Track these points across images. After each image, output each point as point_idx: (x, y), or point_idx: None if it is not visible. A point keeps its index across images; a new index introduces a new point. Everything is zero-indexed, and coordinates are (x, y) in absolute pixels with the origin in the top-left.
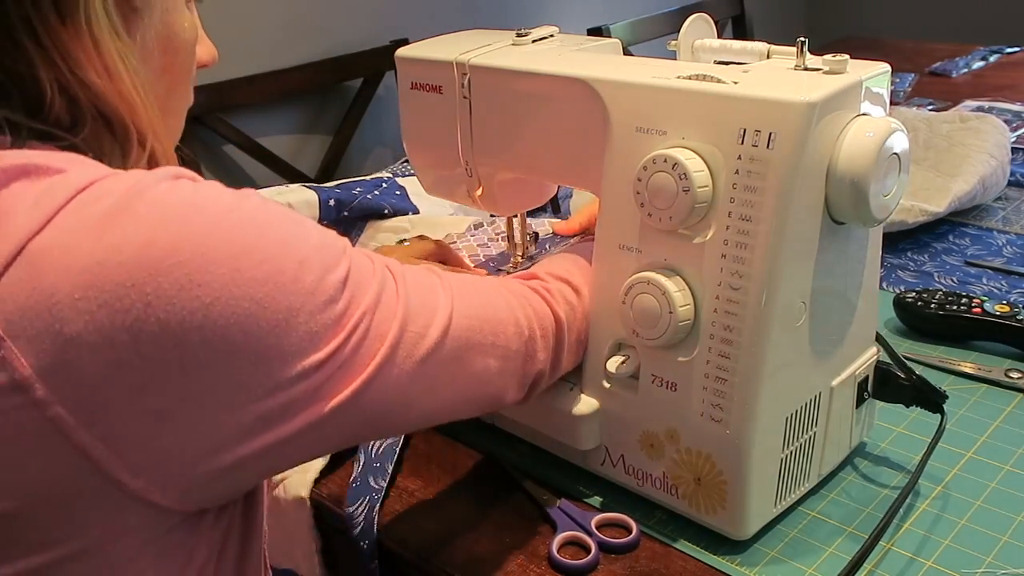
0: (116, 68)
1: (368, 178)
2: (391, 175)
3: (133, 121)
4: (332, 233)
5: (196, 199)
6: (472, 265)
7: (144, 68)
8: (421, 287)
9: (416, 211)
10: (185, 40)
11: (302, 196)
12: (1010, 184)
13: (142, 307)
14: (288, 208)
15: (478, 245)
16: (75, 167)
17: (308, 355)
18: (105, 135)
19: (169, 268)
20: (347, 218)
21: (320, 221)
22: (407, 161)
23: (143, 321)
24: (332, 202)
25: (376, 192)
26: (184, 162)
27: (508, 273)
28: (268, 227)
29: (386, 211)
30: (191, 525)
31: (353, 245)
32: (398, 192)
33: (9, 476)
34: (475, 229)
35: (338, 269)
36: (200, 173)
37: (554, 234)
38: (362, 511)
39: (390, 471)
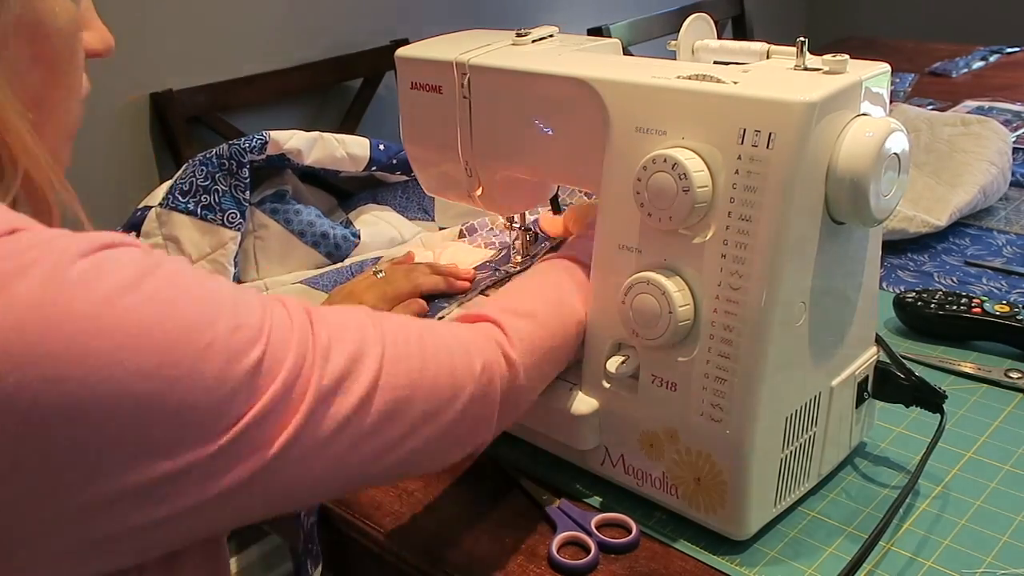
0: None
1: None
2: None
3: None
4: (251, 304)
5: (88, 276)
6: (468, 271)
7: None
8: (347, 348)
9: None
10: (58, 26)
11: (355, 139)
12: (1010, 184)
13: (1, 398)
14: (211, 277)
15: (474, 247)
16: None
17: (199, 448)
18: None
19: (37, 358)
20: (395, 165)
21: (369, 165)
22: None
23: (1, 414)
24: (382, 147)
25: None
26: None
27: (509, 273)
28: (171, 309)
29: None
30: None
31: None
32: None
33: None
34: (469, 234)
35: (250, 354)
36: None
37: (540, 229)
38: None
39: None
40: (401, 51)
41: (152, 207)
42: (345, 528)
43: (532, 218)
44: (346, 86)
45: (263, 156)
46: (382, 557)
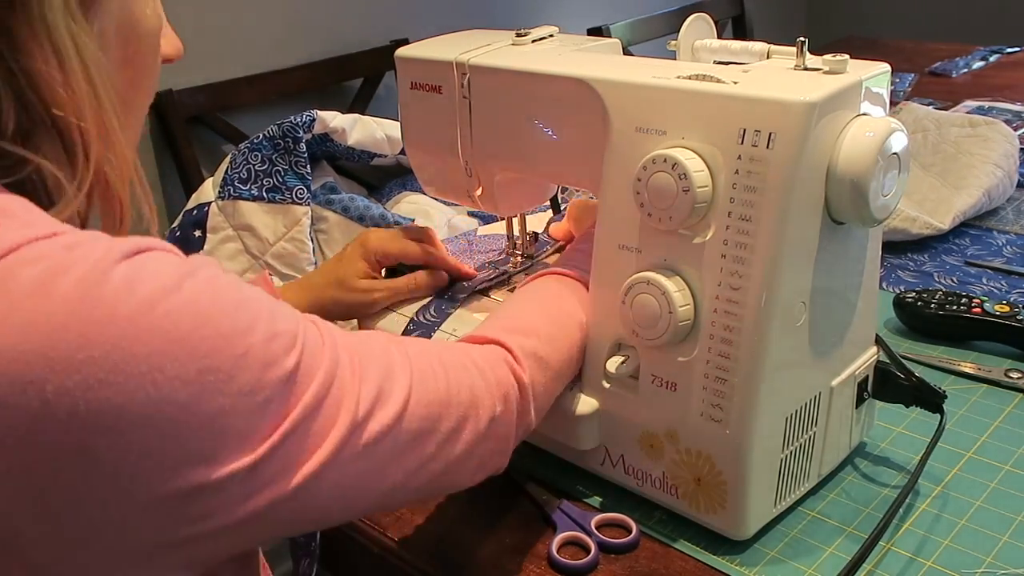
0: (68, 55)
1: None
2: None
3: (80, 125)
4: (286, 315)
5: (129, 279)
6: (470, 269)
7: (104, 58)
8: (377, 369)
9: None
10: (148, 28)
11: (389, 122)
12: None
13: (39, 406)
14: (243, 285)
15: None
16: (8, 221)
17: (238, 458)
18: (53, 148)
19: (78, 364)
20: None
21: (404, 149)
22: None
23: (39, 422)
24: None
25: None
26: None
27: (509, 273)
28: (208, 316)
29: None
30: None
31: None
32: None
33: None
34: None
35: (284, 362)
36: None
37: (548, 236)
38: None
39: None
40: (401, 51)
41: (208, 203)
42: (345, 527)
43: (535, 219)
44: (346, 86)
45: (311, 134)
46: (382, 556)
